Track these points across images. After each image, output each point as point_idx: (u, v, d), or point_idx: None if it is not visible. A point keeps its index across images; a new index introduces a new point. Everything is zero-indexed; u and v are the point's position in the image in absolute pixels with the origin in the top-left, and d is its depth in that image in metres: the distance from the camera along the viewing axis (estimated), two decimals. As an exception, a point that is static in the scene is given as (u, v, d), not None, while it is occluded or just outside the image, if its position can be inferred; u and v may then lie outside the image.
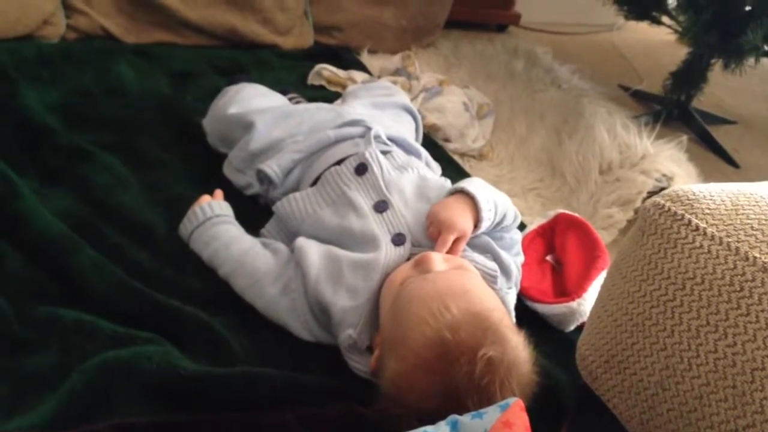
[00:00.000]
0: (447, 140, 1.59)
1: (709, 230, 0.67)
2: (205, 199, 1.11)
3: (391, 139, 1.17)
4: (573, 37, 2.61)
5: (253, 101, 1.26)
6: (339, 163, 1.10)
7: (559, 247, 1.18)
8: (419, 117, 1.38)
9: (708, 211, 0.68)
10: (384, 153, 1.12)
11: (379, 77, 1.70)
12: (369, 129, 1.15)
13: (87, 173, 1.15)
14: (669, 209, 0.70)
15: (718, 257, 0.65)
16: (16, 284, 0.94)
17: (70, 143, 1.20)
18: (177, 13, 1.56)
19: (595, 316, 0.80)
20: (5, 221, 1.02)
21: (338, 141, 1.14)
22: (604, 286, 0.81)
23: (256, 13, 1.63)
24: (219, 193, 1.14)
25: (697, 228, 0.67)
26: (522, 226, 1.20)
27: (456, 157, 1.56)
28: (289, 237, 1.05)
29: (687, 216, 0.68)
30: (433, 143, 1.52)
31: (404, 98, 1.40)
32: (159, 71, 1.49)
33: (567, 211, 1.23)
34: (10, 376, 0.82)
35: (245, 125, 1.20)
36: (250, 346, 0.91)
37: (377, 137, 1.15)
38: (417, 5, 1.92)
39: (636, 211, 1.39)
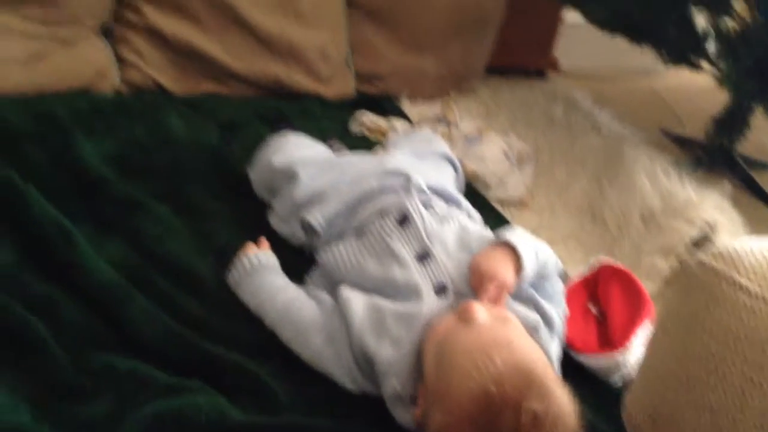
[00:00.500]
0: (487, 188, 1.60)
1: (752, 287, 0.67)
2: (251, 248, 1.14)
3: (432, 189, 1.19)
4: (612, 82, 2.62)
5: (296, 151, 1.30)
6: (381, 213, 1.13)
7: (602, 297, 1.18)
8: (459, 166, 1.40)
9: (750, 268, 0.68)
10: (425, 203, 1.14)
11: (419, 125, 1.73)
12: (410, 179, 1.17)
13: (139, 223, 1.20)
14: (711, 266, 0.70)
15: (760, 314, 0.65)
16: (71, 332, 0.97)
17: (124, 193, 1.25)
18: (224, 65, 1.61)
19: (641, 372, 0.80)
20: (61, 269, 1.06)
21: (380, 191, 1.17)
22: (648, 343, 0.81)
23: (300, 64, 1.68)
24: (264, 242, 1.17)
25: (740, 285, 0.68)
26: (564, 276, 1.20)
27: (496, 205, 1.57)
28: (333, 286, 1.07)
29: (729, 273, 0.69)
30: (473, 191, 1.53)
31: (444, 147, 1.43)
32: (207, 122, 1.55)
33: (610, 260, 1.23)
34: (64, 423, 0.85)
35: (289, 175, 1.24)
36: (298, 396, 0.93)
37: (418, 187, 1.17)
38: (457, 53, 1.94)
39: (679, 261, 1.38)
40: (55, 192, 1.19)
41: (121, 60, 1.60)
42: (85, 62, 1.52)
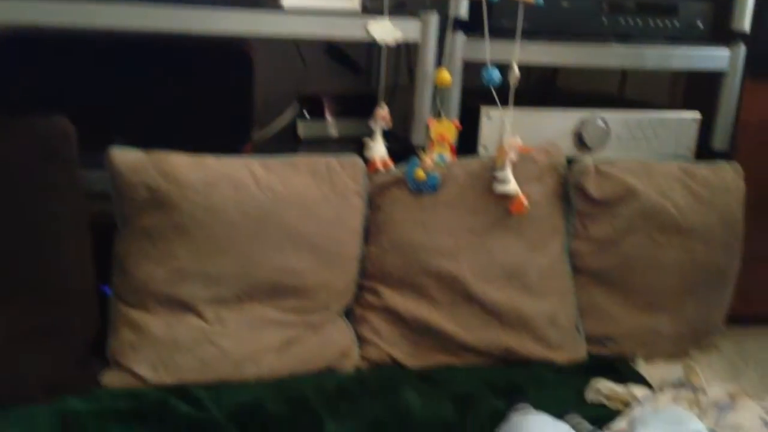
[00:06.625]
0: None
1: None
2: None
3: None
4: None
5: None
6: None
7: None
8: None
9: None
10: None
11: (660, 390, 1.63)
12: None
13: None
14: None
15: None
16: None
17: None
18: (456, 338, 1.70)
19: None
20: None
21: None
22: None
23: (529, 332, 1.73)
24: None
25: None
26: None
27: None
28: None
29: None
30: None
31: (699, 426, 1.31)
32: (442, 395, 1.58)
33: None
34: None
35: None
36: None
37: None
38: (693, 310, 1.86)
39: None
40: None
41: (360, 338, 1.73)
42: (331, 344, 1.68)
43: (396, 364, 1.67)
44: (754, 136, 1.91)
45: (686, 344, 1.88)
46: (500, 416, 1.41)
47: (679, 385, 1.63)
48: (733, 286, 1.89)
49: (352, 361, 1.65)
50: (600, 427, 1.41)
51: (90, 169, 1.48)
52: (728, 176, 1.80)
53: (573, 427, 1.35)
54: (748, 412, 1.51)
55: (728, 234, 1.80)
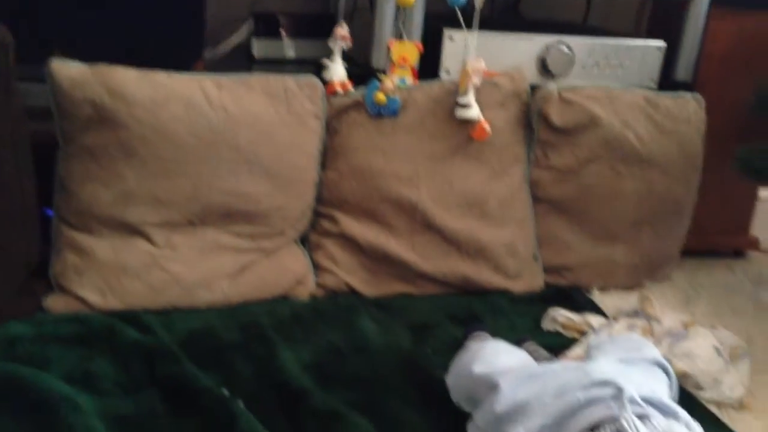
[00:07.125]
0: (699, 389, 1.50)
1: None
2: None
3: (646, 400, 1.11)
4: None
5: (496, 359, 1.28)
6: (592, 429, 1.07)
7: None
8: (672, 372, 1.29)
9: None
10: (640, 417, 1.07)
11: (615, 319, 1.64)
12: (621, 390, 1.10)
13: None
14: None
15: None
16: None
17: (324, 405, 1.27)
18: (413, 267, 1.66)
19: None
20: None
21: (588, 404, 1.11)
22: None
23: (488, 261, 1.71)
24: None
25: None
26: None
27: (712, 408, 1.45)
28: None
29: None
30: (684, 393, 1.44)
31: (655, 353, 1.30)
32: (399, 323, 1.56)
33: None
34: None
35: (489, 386, 1.22)
36: None
37: (631, 399, 1.09)
38: (649, 241, 1.86)
39: None
40: (259, 404, 1.24)
41: (316, 266, 1.67)
42: (286, 271, 1.62)
43: (352, 292, 1.65)
44: (718, 67, 1.88)
45: (641, 275, 1.89)
46: (458, 344, 1.40)
47: (634, 314, 1.66)
48: (690, 217, 1.90)
49: (307, 288, 1.62)
50: (556, 354, 1.43)
51: (30, 82, 1.38)
52: (690, 107, 1.78)
53: (530, 354, 1.35)
54: (701, 340, 1.55)
55: (687, 166, 1.80)
